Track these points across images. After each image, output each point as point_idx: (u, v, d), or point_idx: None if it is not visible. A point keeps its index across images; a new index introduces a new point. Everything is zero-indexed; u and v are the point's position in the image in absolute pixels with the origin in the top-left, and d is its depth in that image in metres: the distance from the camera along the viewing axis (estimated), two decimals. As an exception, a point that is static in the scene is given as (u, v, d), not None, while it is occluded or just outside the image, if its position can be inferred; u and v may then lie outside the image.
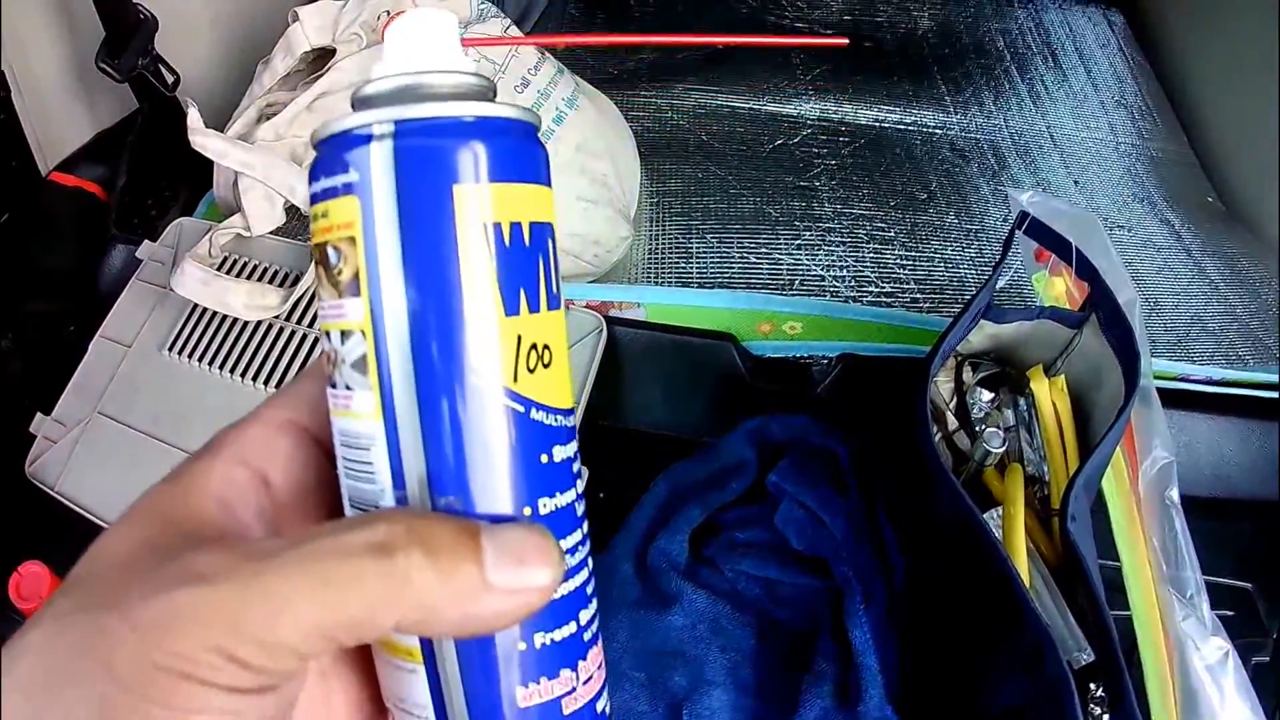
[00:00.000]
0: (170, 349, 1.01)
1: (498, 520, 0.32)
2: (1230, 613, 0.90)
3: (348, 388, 0.33)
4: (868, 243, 1.28)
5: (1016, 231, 0.87)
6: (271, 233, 1.06)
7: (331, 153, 0.33)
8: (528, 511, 0.33)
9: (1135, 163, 1.55)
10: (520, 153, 0.34)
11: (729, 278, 1.20)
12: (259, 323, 1.00)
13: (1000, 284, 0.86)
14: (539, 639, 0.33)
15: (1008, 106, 1.62)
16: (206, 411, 0.97)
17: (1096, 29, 1.83)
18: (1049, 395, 0.81)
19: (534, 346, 0.33)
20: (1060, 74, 1.72)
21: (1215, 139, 1.62)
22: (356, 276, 0.32)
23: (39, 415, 1.02)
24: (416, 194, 0.32)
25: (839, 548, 0.80)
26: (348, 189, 0.32)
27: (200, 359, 0.99)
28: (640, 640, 0.80)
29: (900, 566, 0.80)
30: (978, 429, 0.81)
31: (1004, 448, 0.78)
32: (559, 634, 0.33)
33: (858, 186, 1.39)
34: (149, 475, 0.86)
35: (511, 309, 0.32)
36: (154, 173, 1.23)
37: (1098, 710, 0.63)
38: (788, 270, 1.22)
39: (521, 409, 0.33)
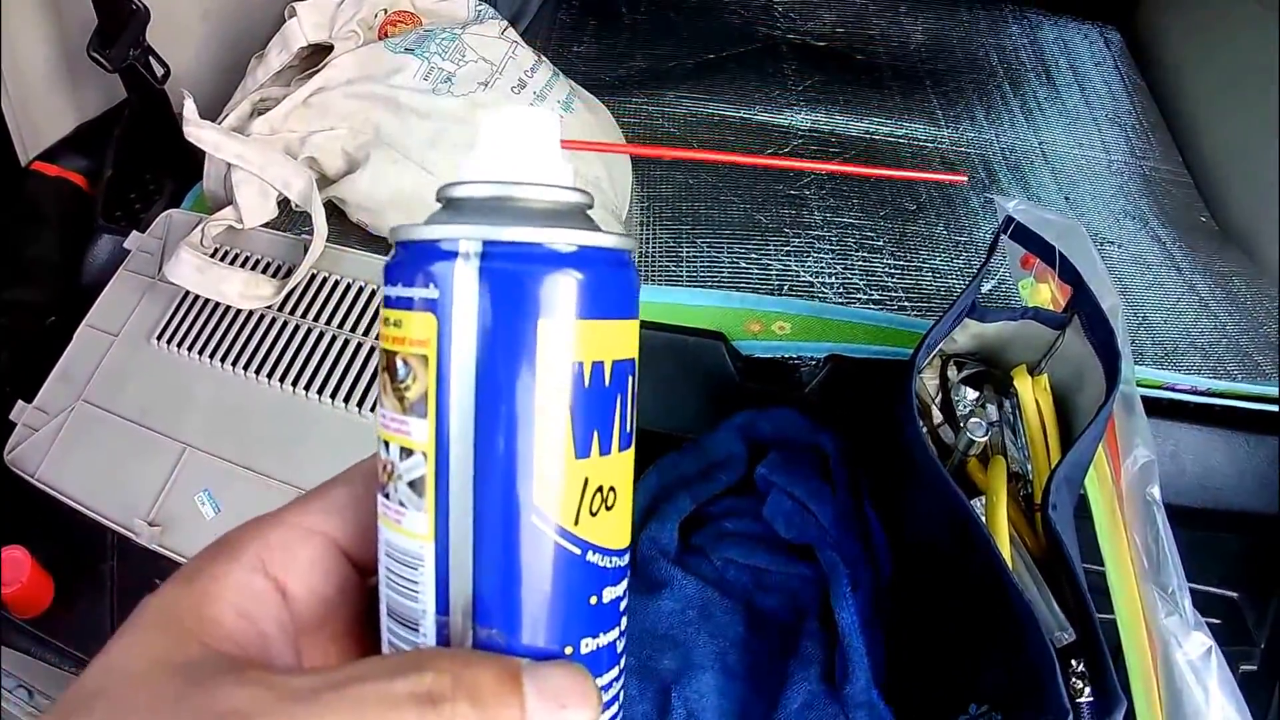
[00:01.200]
0: (159, 338, 1.04)
1: (539, 656, 0.32)
2: (1218, 621, 0.94)
3: (401, 504, 0.33)
4: (856, 251, 1.32)
5: (1002, 236, 0.91)
6: (263, 225, 1.10)
7: (413, 260, 0.33)
8: (569, 650, 0.33)
9: (1128, 180, 1.59)
10: (613, 286, 0.33)
11: (718, 282, 1.24)
12: (249, 313, 1.03)
13: (986, 288, 0.90)
14: None
15: (1000, 121, 1.66)
16: (196, 400, 1.01)
17: (1092, 46, 1.87)
18: (1032, 393, 0.85)
19: (599, 489, 0.33)
20: (1054, 90, 1.76)
21: (1210, 158, 1.66)
22: (425, 397, 0.32)
23: (20, 403, 1.05)
24: (499, 324, 0.31)
25: (825, 535, 0.85)
26: (425, 305, 0.32)
27: (189, 349, 1.03)
28: (630, 625, 0.83)
29: (886, 555, 0.84)
30: (962, 422, 0.85)
31: (987, 437, 0.82)
32: None
33: (847, 196, 1.43)
34: (135, 462, 0.90)
35: (583, 452, 0.32)
36: (139, 165, 1.26)
37: (1079, 685, 0.66)
38: (776, 276, 1.26)
39: (578, 551, 0.33)
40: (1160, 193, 1.59)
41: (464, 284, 0.31)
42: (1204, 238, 1.52)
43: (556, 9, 1.85)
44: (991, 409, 0.87)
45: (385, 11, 1.19)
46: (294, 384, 0.99)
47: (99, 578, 0.97)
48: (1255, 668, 0.95)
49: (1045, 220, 0.90)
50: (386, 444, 0.34)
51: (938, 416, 0.89)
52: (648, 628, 0.84)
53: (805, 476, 0.88)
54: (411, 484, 0.33)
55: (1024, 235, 0.90)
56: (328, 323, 1.02)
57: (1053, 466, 0.76)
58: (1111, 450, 0.85)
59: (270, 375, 1.00)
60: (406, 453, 0.33)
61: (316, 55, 1.16)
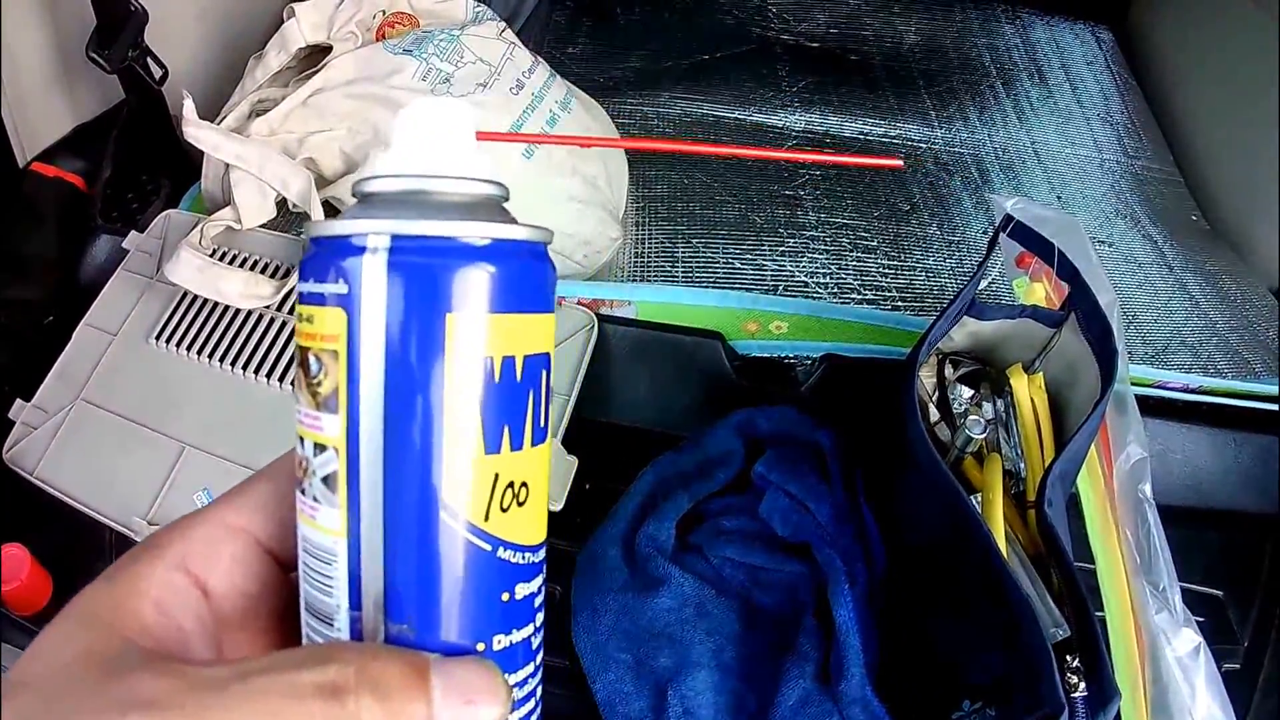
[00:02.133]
0: (157, 338, 1.04)
1: (450, 652, 0.33)
2: (1201, 619, 0.94)
3: (315, 500, 0.33)
4: (851, 251, 1.33)
5: (1000, 234, 0.91)
6: (262, 225, 1.10)
7: (323, 256, 0.33)
8: (481, 647, 0.33)
9: (1119, 179, 1.60)
10: (525, 279, 0.34)
11: (713, 282, 1.25)
12: (247, 313, 1.03)
13: (983, 285, 0.90)
14: None
15: (992, 122, 1.67)
16: (194, 399, 1.01)
17: (1084, 46, 1.88)
18: (1027, 391, 0.86)
19: (510, 485, 0.33)
20: (1046, 90, 1.77)
21: (1201, 157, 1.66)
22: (335, 393, 0.32)
23: (19, 402, 1.04)
24: (407, 319, 0.31)
25: (822, 532, 0.85)
26: (335, 300, 0.32)
27: (188, 348, 1.03)
28: (627, 623, 0.84)
29: (881, 552, 0.84)
30: (959, 420, 0.85)
31: (985, 435, 0.82)
32: None
33: (841, 197, 1.44)
34: (134, 461, 0.90)
35: (492, 447, 0.33)
36: (137, 166, 1.26)
37: (1074, 680, 0.67)
38: (771, 276, 1.27)
39: (489, 548, 0.33)
40: (1151, 192, 1.60)
41: (372, 279, 0.31)
42: (1195, 237, 1.52)
43: (551, 10, 1.85)
44: (987, 407, 0.88)
45: (384, 13, 1.19)
46: (293, 383, 0.98)
47: (97, 576, 0.96)
48: (1238, 666, 0.95)
49: (1042, 217, 0.91)
50: (302, 440, 0.34)
51: (934, 414, 0.90)
52: (644, 625, 0.84)
53: (802, 474, 0.89)
54: (325, 479, 0.33)
55: (1022, 233, 0.91)
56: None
57: (1047, 464, 0.76)
58: (1104, 448, 0.85)
59: (269, 375, 1.00)
60: (320, 448, 0.33)
61: (315, 56, 1.17)
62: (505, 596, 0.34)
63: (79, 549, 0.98)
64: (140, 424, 1.01)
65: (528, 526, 0.35)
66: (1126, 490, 0.82)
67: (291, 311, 1.03)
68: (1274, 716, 0.92)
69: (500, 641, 0.34)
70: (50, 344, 1.08)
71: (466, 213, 0.34)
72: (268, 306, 1.03)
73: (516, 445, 0.33)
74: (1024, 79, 1.79)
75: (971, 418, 0.82)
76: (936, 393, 0.91)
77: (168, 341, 1.04)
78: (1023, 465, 0.85)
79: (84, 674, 0.30)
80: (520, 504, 0.34)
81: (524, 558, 0.34)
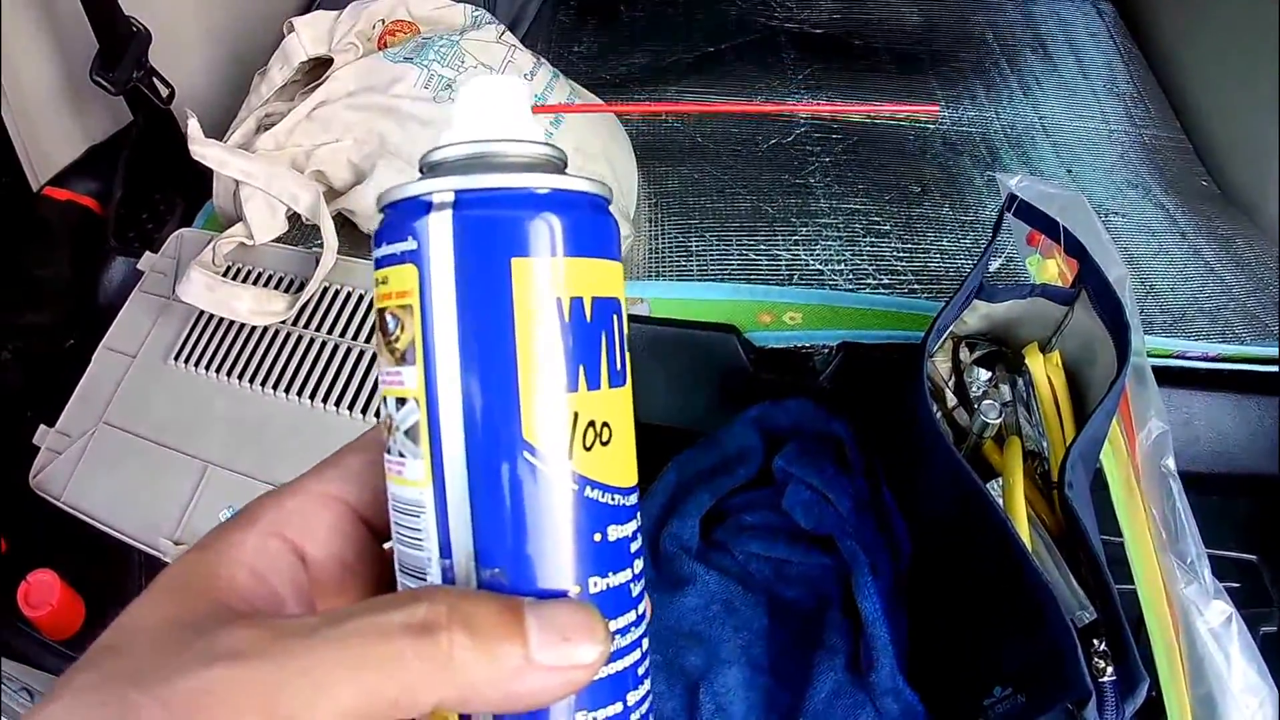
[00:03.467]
0: (175, 358, 1.04)
1: (544, 596, 0.32)
2: (1236, 585, 0.93)
3: (401, 455, 0.34)
4: (864, 236, 1.32)
5: (1006, 214, 0.90)
6: (273, 240, 1.09)
7: (393, 219, 0.34)
8: (576, 590, 0.33)
9: (1128, 150, 1.58)
10: (587, 226, 0.34)
11: (728, 275, 1.23)
12: (264, 329, 1.03)
13: (993, 267, 0.89)
14: (580, 717, 0.33)
15: (999, 99, 1.65)
16: (215, 418, 1.01)
17: (1086, 18, 1.86)
18: (1044, 371, 0.84)
19: (592, 424, 0.33)
20: (1051, 64, 1.74)
21: (1208, 123, 1.64)
22: (413, 345, 0.33)
23: (42, 427, 1.05)
24: (474, 266, 0.32)
25: (845, 524, 0.84)
26: (406, 257, 0.33)
27: (206, 367, 1.02)
28: (655, 623, 0.83)
29: (906, 541, 0.83)
30: (976, 405, 0.84)
31: (1001, 419, 0.81)
32: (603, 713, 0.33)
33: (852, 182, 1.42)
34: (158, 482, 0.91)
35: (570, 385, 0.33)
36: (149, 186, 1.25)
37: (1101, 664, 0.65)
38: (786, 266, 1.25)
39: (576, 486, 0.33)
40: (1161, 160, 1.57)
41: (439, 231, 0.32)
42: (1206, 202, 1.50)
43: (555, 11, 1.84)
44: (1005, 389, 0.87)
45: (383, 22, 1.18)
46: (311, 397, 0.99)
47: (128, 597, 0.94)
48: (1275, 629, 0.94)
49: (1047, 194, 0.89)
50: (385, 400, 0.35)
51: (951, 400, 0.88)
52: (672, 625, 0.83)
53: (822, 466, 0.88)
54: (407, 432, 0.33)
55: (1027, 211, 0.89)
56: (341, 335, 1.01)
57: (1068, 444, 0.75)
58: (1125, 423, 0.84)
59: (288, 390, 0.99)
60: (401, 402, 0.34)
61: (318, 69, 1.16)
62: (597, 537, 0.34)
63: (109, 572, 0.98)
64: (163, 445, 1.01)
65: (615, 467, 0.34)
66: (1150, 465, 0.81)
67: (307, 325, 1.03)
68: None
69: (596, 584, 0.33)
70: (71, 368, 1.08)
71: (527, 169, 0.35)
72: (283, 322, 1.02)
73: (594, 384, 0.33)
74: (1028, 54, 1.77)
75: (987, 402, 0.81)
76: (953, 377, 0.90)
77: (186, 361, 1.04)
78: (1046, 445, 0.83)
79: (170, 635, 0.30)
80: (604, 444, 0.34)
81: (614, 499, 0.34)
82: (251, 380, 1.01)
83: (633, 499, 0.36)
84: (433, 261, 0.32)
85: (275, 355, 1.02)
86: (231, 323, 1.04)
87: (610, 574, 0.34)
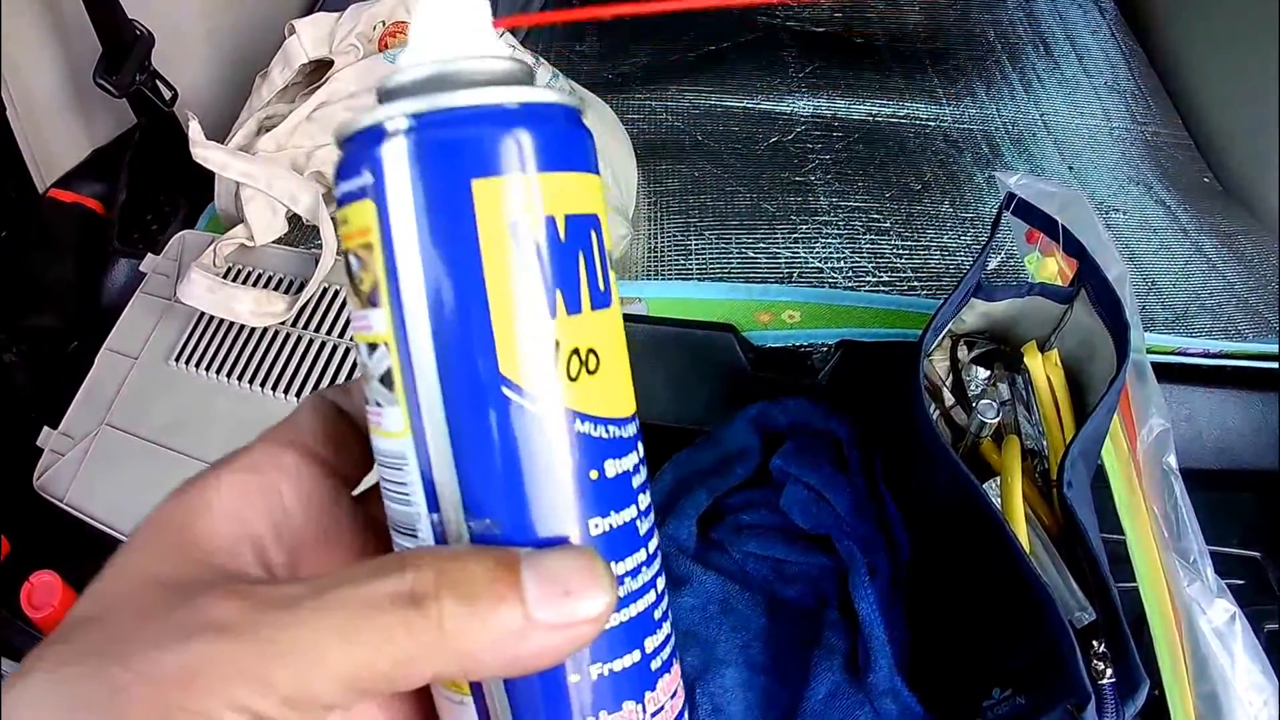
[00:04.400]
0: (177, 359, 1.03)
1: (541, 545, 0.30)
2: (1240, 582, 0.91)
3: (378, 404, 0.32)
4: (864, 233, 1.30)
5: (1004, 212, 0.89)
6: (275, 241, 1.09)
7: (349, 155, 0.31)
8: (576, 534, 0.30)
9: (1130, 146, 1.56)
10: (555, 138, 0.31)
11: (728, 272, 1.22)
12: (265, 330, 1.02)
13: (993, 265, 0.88)
14: (595, 670, 0.31)
15: (1000, 96, 1.63)
16: (217, 419, 1.00)
17: (1087, 15, 1.84)
18: (1043, 369, 0.83)
19: (575, 351, 0.30)
20: (1052, 62, 1.73)
21: (1210, 119, 1.63)
22: (377, 285, 0.31)
23: (46, 429, 1.04)
24: (431, 192, 0.30)
25: (842, 523, 0.83)
26: (363, 193, 0.30)
27: (208, 368, 1.02)
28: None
29: (904, 541, 0.82)
30: (974, 404, 0.83)
31: (999, 418, 0.80)
32: (619, 664, 0.31)
33: (852, 179, 1.41)
34: (161, 483, 0.89)
35: (548, 313, 0.30)
36: (153, 187, 1.25)
37: (1100, 665, 0.64)
38: (786, 263, 1.24)
39: (563, 421, 0.30)
40: (1162, 156, 1.56)
41: (393, 160, 0.30)
42: (1208, 198, 1.49)
43: (557, 10, 1.82)
44: (1003, 387, 0.85)
45: (383, 24, 1.17)
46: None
47: None
48: (1279, 625, 0.92)
49: (1046, 193, 0.88)
50: (359, 348, 0.32)
51: (949, 399, 0.87)
52: (669, 625, 0.82)
53: (820, 465, 0.86)
54: (381, 379, 0.31)
55: (1026, 210, 0.88)
56: (341, 335, 1.00)
57: (1067, 443, 0.74)
58: (1126, 420, 0.82)
59: (288, 390, 0.98)
60: (372, 348, 0.31)
61: (319, 71, 1.15)
62: (594, 475, 0.31)
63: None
64: (164, 446, 1.00)
65: (606, 396, 0.31)
66: (1151, 463, 0.80)
67: (307, 326, 1.02)
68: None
69: (597, 526, 0.31)
70: (75, 370, 1.07)
71: (483, 84, 0.31)
72: (284, 323, 1.01)
73: (573, 308, 0.30)
74: (1029, 51, 1.76)
75: (984, 401, 0.80)
76: (951, 376, 0.88)
77: (188, 362, 1.03)
78: (1044, 444, 0.82)
79: (149, 601, 0.28)
80: (591, 372, 0.31)
81: (608, 431, 0.31)
82: (252, 381, 1.00)
83: (631, 429, 0.33)
84: (390, 193, 0.30)
85: (276, 356, 1.01)
86: (232, 324, 1.03)
87: (612, 513, 0.31)
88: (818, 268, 1.24)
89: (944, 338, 0.89)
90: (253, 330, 1.03)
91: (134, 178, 1.22)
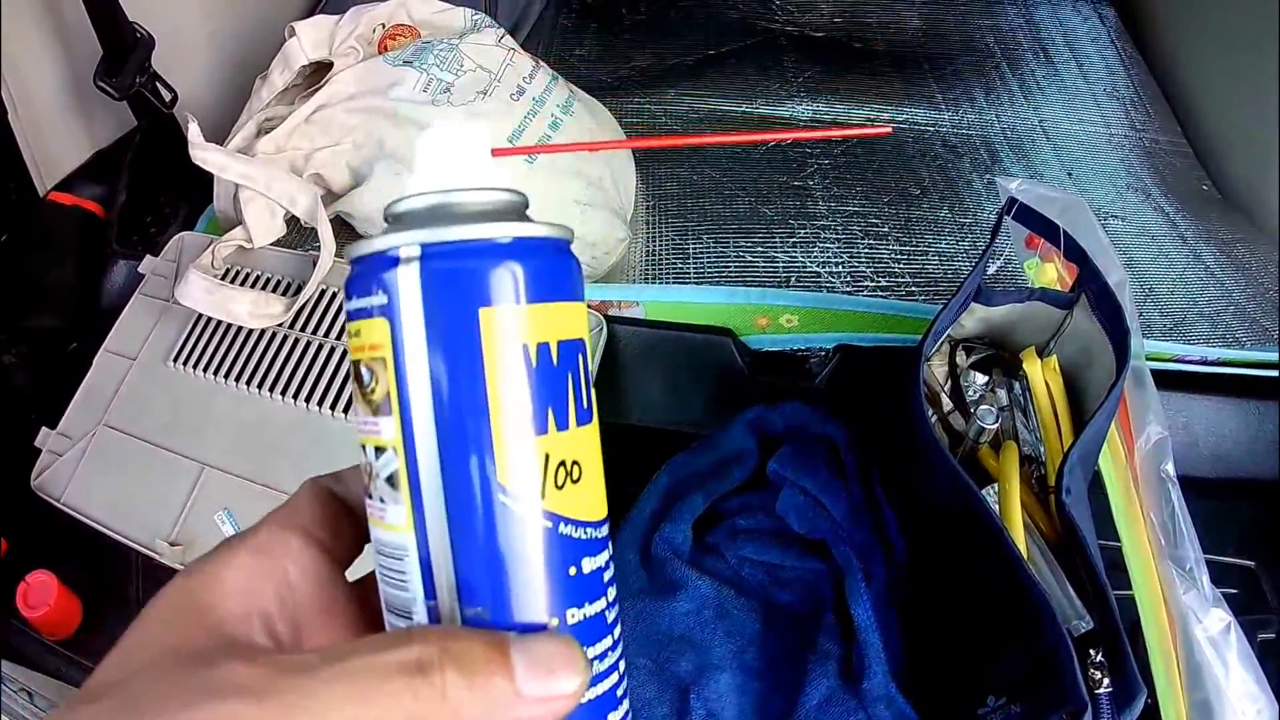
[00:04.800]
0: (175, 360, 1.03)
1: (526, 630, 0.33)
2: (1234, 591, 0.91)
3: (382, 500, 0.34)
4: (862, 238, 1.30)
5: (1005, 217, 0.88)
6: (273, 244, 1.08)
7: (362, 273, 0.34)
8: (555, 622, 0.34)
9: (1129, 154, 1.56)
10: (550, 271, 0.35)
11: (727, 277, 1.22)
12: (262, 332, 1.02)
13: (991, 270, 0.87)
14: None
15: (1000, 102, 1.63)
16: (214, 420, 0.99)
17: (1088, 23, 1.84)
18: (1042, 375, 0.82)
19: (563, 464, 0.34)
20: (1052, 68, 1.73)
21: (1209, 127, 1.62)
22: (388, 396, 0.33)
23: (43, 429, 1.03)
24: (443, 318, 0.33)
25: (839, 529, 0.82)
26: (378, 311, 0.34)
27: (205, 369, 1.01)
28: (646, 627, 0.82)
29: (900, 547, 0.81)
30: (972, 409, 0.82)
31: (998, 424, 0.79)
32: None
33: (851, 184, 1.40)
34: (157, 484, 0.90)
35: (539, 429, 0.33)
36: (153, 190, 1.24)
37: (1098, 675, 0.64)
38: (784, 268, 1.24)
39: (550, 524, 0.34)
40: (1161, 164, 1.56)
41: (408, 285, 0.33)
42: (1206, 206, 1.49)
43: (557, 14, 1.82)
44: (1001, 393, 0.85)
45: (383, 26, 1.17)
46: (308, 400, 0.97)
47: (126, 598, 0.96)
48: (1273, 635, 0.92)
49: (1047, 198, 0.87)
50: (364, 447, 0.35)
51: (947, 404, 0.87)
52: (664, 630, 0.81)
53: (817, 470, 0.86)
54: (388, 479, 0.34)
55: (1027, 215, 0.87)
56: (338, 337, 1.00)
57: (1065, 449, 0.73)
58: (1124, 427, 0.82)
59: (284, 392, 0.98)
60: (380, 450, 0.34)
61: (318, 73, 1.15)
62: (572, 571, 0.34)
63: (107, 573, 0.97)
64: (161, 446, 1.00)
65: (586, 502, 0.35)
66: (1149, 471, 0.79)
67: (304, 328, 1.01)
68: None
69: (574, 615, 0.34)
70: (74, 370, 1.07)
71: (489, 218, 0.35)
72: (281, 325, 1.01)
73: (562, 425, 0.34)
74: (1029, 58, 1.75)
75: (983, 407, 0.79)
76: (949, 381, 0.88)
77: (185, 363, 1.03)
78: (1042, 450, 0.81)
79: (172, 668, 0.31)
80: (575, 481, 0.34)
81: (586, 533, 0.35)
82: (249, 382, 1.00)
83: (604, 531, 0.36)
84: (403, 314, 0.33)
85: (273, 358, 1.00)
86: (229, 325, 1.02)
87: (586, 604, 0.35)
88: (815, 272, 1.23)
89: (943, 343, 0.88)
90: (250, 332, 1.02)
91: (134, 180, 1.21)
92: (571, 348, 0.35)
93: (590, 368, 0.37)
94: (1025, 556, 0.68)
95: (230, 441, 0.98)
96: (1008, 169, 1.49)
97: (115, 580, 0.97)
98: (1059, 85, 1.69)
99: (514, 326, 0.33)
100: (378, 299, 0.33)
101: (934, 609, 0.79)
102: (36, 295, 1.13)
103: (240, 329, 1.02)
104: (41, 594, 0.90)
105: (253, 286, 1.05)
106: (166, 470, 0.98)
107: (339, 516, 0.39)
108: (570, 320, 0.35)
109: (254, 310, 1.00)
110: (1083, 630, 0.67)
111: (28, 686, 0.92)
